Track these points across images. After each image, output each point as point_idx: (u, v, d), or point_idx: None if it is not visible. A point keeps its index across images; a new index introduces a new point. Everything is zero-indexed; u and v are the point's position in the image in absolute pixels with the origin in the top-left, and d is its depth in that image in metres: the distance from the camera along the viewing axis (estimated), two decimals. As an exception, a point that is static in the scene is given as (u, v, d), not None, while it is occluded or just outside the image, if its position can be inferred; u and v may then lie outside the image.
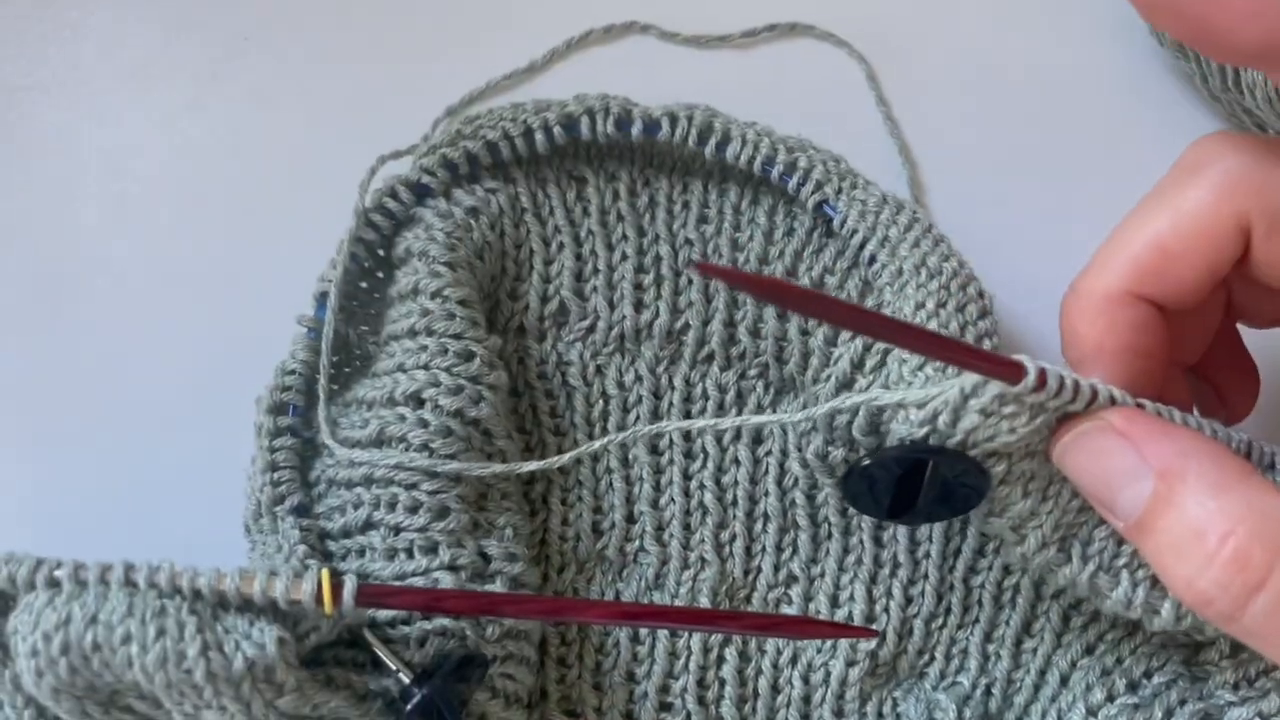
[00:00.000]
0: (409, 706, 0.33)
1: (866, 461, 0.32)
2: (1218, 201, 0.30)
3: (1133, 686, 0.37)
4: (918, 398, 0.31)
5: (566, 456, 0.37)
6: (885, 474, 0.33)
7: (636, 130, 0.41)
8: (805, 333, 0.42)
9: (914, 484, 0.32)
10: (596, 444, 0.37)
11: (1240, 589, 0.26)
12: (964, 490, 0.32)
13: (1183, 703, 0.35)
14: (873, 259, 0.40)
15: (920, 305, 0.37)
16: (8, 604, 0.31)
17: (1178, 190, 0.31)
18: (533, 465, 0.37)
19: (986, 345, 0.36)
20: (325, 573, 0.31)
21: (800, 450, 0.41)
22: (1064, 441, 0.30)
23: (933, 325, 0.36)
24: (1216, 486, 0.27)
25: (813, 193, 0.41)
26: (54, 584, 0.30)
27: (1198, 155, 0.31)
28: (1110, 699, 0.37)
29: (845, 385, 0.39)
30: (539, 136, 0.41)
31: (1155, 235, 0.31)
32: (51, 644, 0.29)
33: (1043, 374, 0.29)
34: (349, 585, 0.31)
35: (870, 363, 0.39)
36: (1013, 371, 0.29)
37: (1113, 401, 0.30)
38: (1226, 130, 0.32)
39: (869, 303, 0.41)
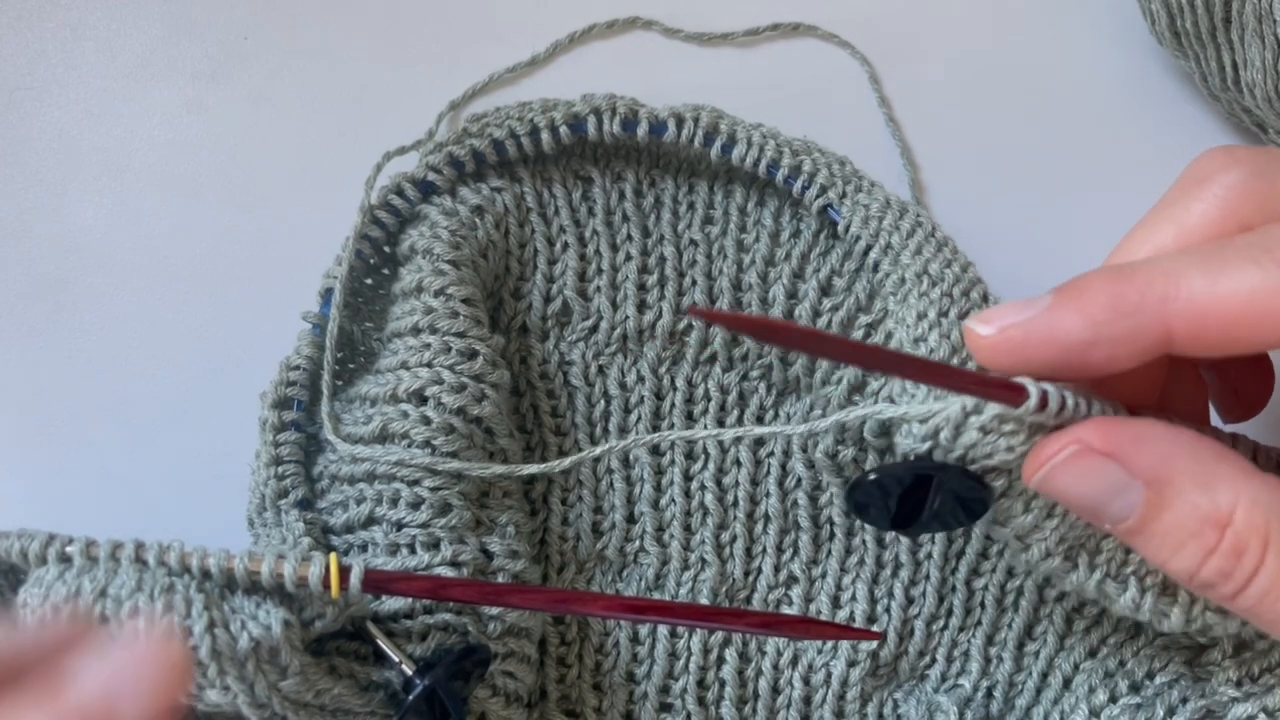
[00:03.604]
0: (411, 697, 0.33)
1: (872, 475, 0.33)
2: (1223, 214, 0.30)
3: (1135, 687, 0.37)
4: (920, 412, 0.32)
5: (568, 461, 0.37)
6: (890, 487, 0.33)
7: (642, 131, 0.41)
8: None
9: (918, 496, 0.33)
10: (598, 450, 0.37)
11: (1241, 574, 0.28)
12: (968, 504, 0.32)
13: (1185, 700, 0.35)
14: (876, 266, 0.40)
15: (922, 315, 0.37)
16: (18, 578, 0.31)
17: (1182, 204, 0.31)
18: (534, 469, 0.37)
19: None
20: (334, 556, 0.31)
21: (805, 451, 0.41)
22: (1042, 472, 0.30)
23: (934, 335, 0.36)
24: (1204, 483, 0.28)
25: (817, 196, 0.41)
26: (65, 559, 0.30)
27: (1202, 169, 0.31)
28: (1113, 700, 0.37)
29: (857, 388, 0.39)
30: (545, 136, 0.41)
31: (1159, 249, 0.31)
32: (60, 616, 0.29)
33: (1044, 396, 0.29)
34: (356, 569, 0.31)
35: None
36: (1015, 394, 0.29)
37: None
38: (1230, 145, 0.32)
39: (876, 306, 0.40)
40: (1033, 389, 0.29)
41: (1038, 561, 0.33)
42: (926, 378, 0.30)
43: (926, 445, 0.32)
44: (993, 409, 0.30)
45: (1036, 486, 0.30)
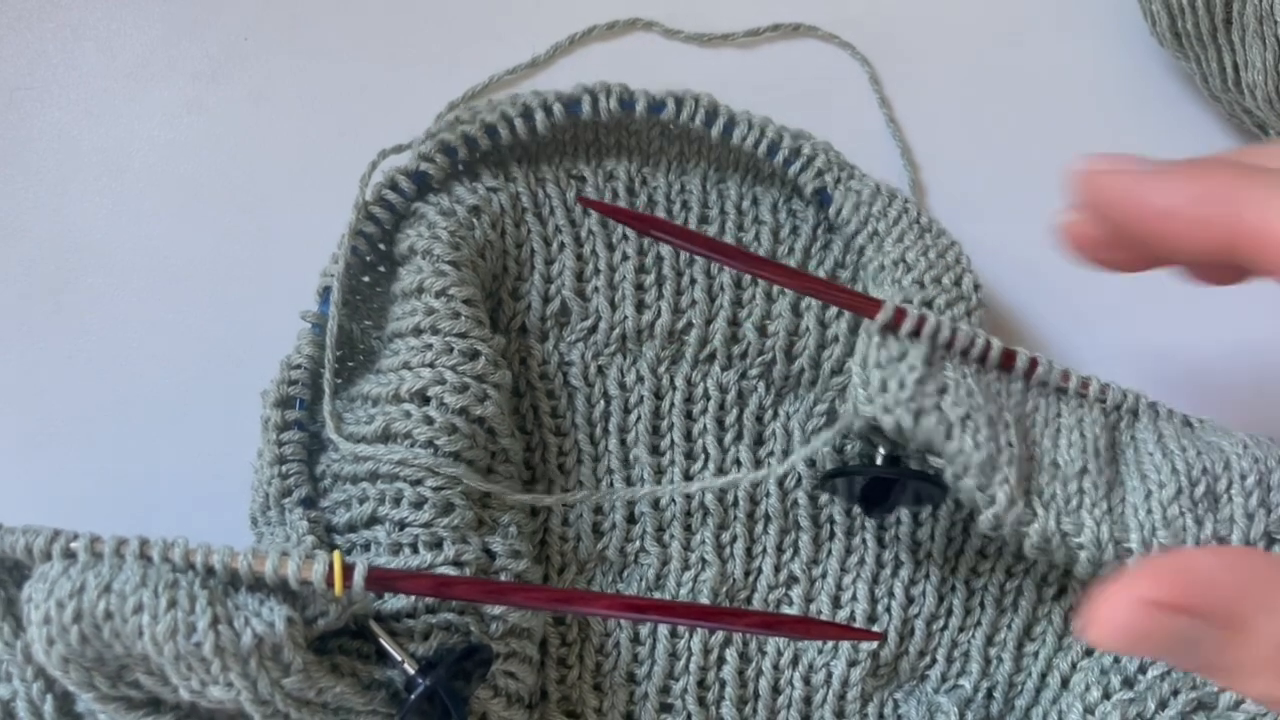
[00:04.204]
0: (412, 697, 0.33)
1: (843, 474, 0.35)
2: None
3: (1128, 682, 0.37)
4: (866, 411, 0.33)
5: (566, 496, 0.39)
6: (856, 483, 0.36)
7: (641, 108, 0.41)
8: (823, 324, 0.42)
9: (885, 486, 0.36)
10: (594, 494, 0.40)
11: None
12: (928, 495, 0.37)
13: (1175, 693, 0.35)
14: (862, 250, 0.40)
15: None
16: (23, 574, 0.31)
17: None
18: (527, 498, 0.38)
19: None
20: (337, 554, 0.31)
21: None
22: (1104, 636, 0.29)
23: None
24: (1272, 608, 0.27)
25: (814, 179, 0.41)
26: (69, 555, 0.30)
27: None
28: (1106, 696, 0.37)
29: None
30: (539, 116, 0.41)
31: None
32: (64, 611, 0.29)
33: (899, 313, 0.32)
34: (359, 567, 0.31)
35: None
36: (873, 308, 0.33)
37: (988, 346, 0.33)
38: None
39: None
40: (889, 305, 0.32)
41: (1006, 510, 0.31)
42: (797, 285, 0.35)
43: (868, 411, 0.33)
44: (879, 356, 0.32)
45: (1096, 646, 0.30)
